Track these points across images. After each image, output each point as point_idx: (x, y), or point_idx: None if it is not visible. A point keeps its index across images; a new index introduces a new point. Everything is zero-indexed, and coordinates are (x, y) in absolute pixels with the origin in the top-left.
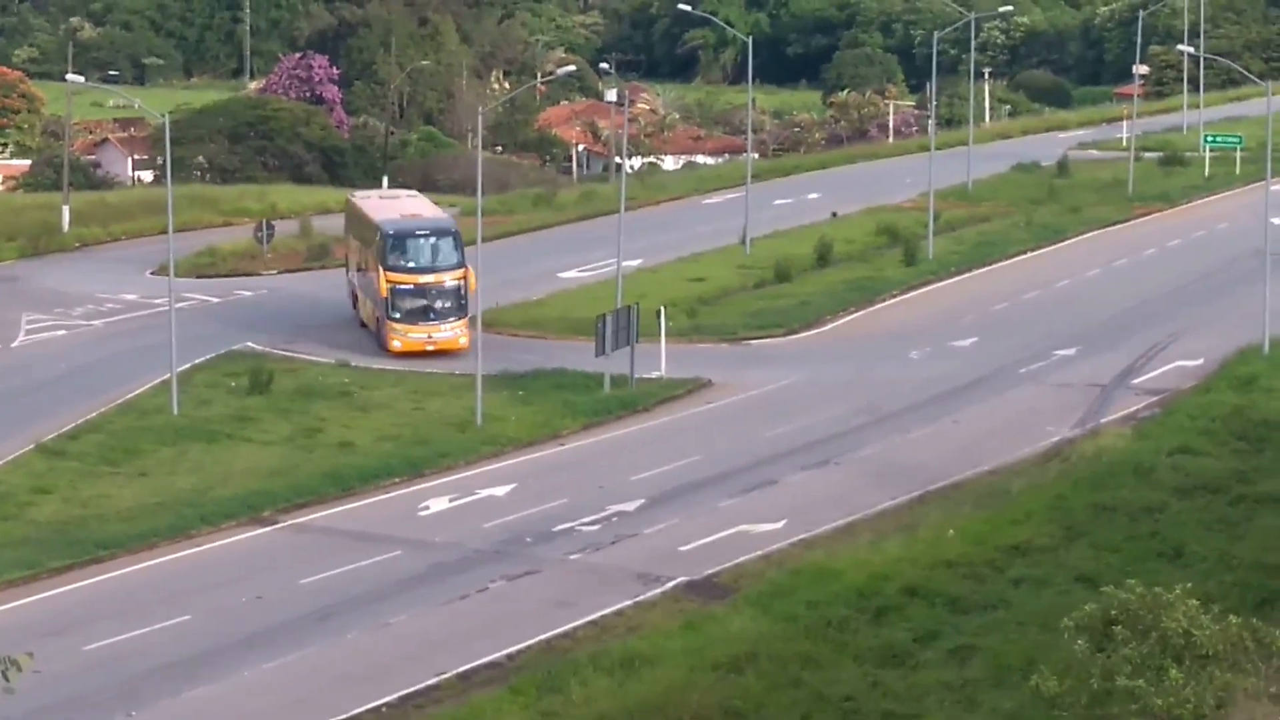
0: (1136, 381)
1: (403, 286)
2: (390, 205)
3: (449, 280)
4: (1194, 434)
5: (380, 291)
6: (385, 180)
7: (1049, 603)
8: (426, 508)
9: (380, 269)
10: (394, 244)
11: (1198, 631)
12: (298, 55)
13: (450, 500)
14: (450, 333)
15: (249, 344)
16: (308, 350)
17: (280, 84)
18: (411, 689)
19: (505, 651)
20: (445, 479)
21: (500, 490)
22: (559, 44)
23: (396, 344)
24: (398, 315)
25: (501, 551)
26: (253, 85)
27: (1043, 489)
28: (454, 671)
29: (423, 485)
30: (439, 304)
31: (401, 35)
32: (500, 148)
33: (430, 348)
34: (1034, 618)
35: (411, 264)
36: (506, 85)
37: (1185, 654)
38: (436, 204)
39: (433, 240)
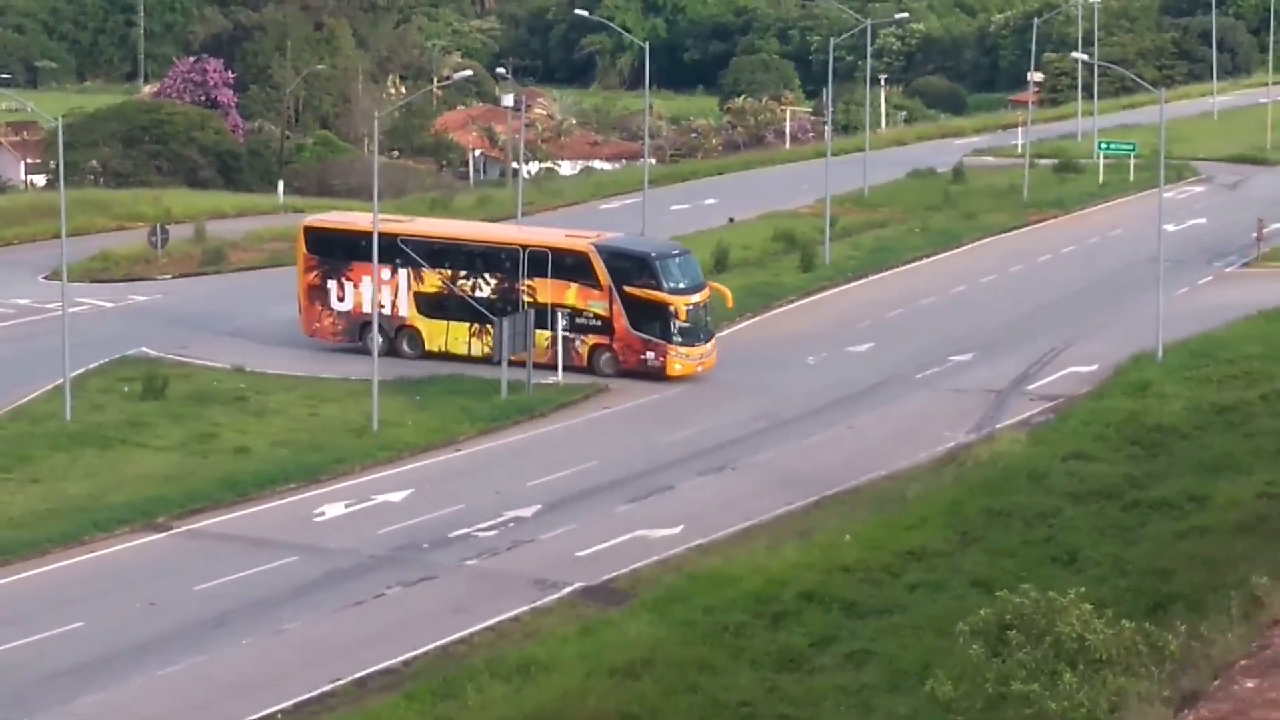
0: (1031, 387)
1: (684, 309)
2: (537, 230)
3: (704, 300)
4: (1088, 439)
5: (621, 310)
6: (281, 185)
7: (944, 607)
8: (322, 513)
9: (652, 294)
10: (664, 268)
11: (1091, 636)
12: (192, 59)
13: (346, 506)
14: (712, 352)
15: (143, 349)
16: (202, 355)
17: (175, 88)
18: (307, 695)
19: (401, 658)
20: (341, 485)
21: (396, 496)
22: (456, 49)
23: (678, 367)
24: (679, 339)
25: (397, 557)
26: (147, 89)
27: (938, 494)
28: (349, 678)
29: (318, 491)
30: (706, 323)
31: (297, 39)
32: (397, 152)
33: (700, 369)
34: (929, 622)
35: (684, 285)
36: (403, 90)
37: (1079, 658)
38: (334, 209)
39: (690, 260)
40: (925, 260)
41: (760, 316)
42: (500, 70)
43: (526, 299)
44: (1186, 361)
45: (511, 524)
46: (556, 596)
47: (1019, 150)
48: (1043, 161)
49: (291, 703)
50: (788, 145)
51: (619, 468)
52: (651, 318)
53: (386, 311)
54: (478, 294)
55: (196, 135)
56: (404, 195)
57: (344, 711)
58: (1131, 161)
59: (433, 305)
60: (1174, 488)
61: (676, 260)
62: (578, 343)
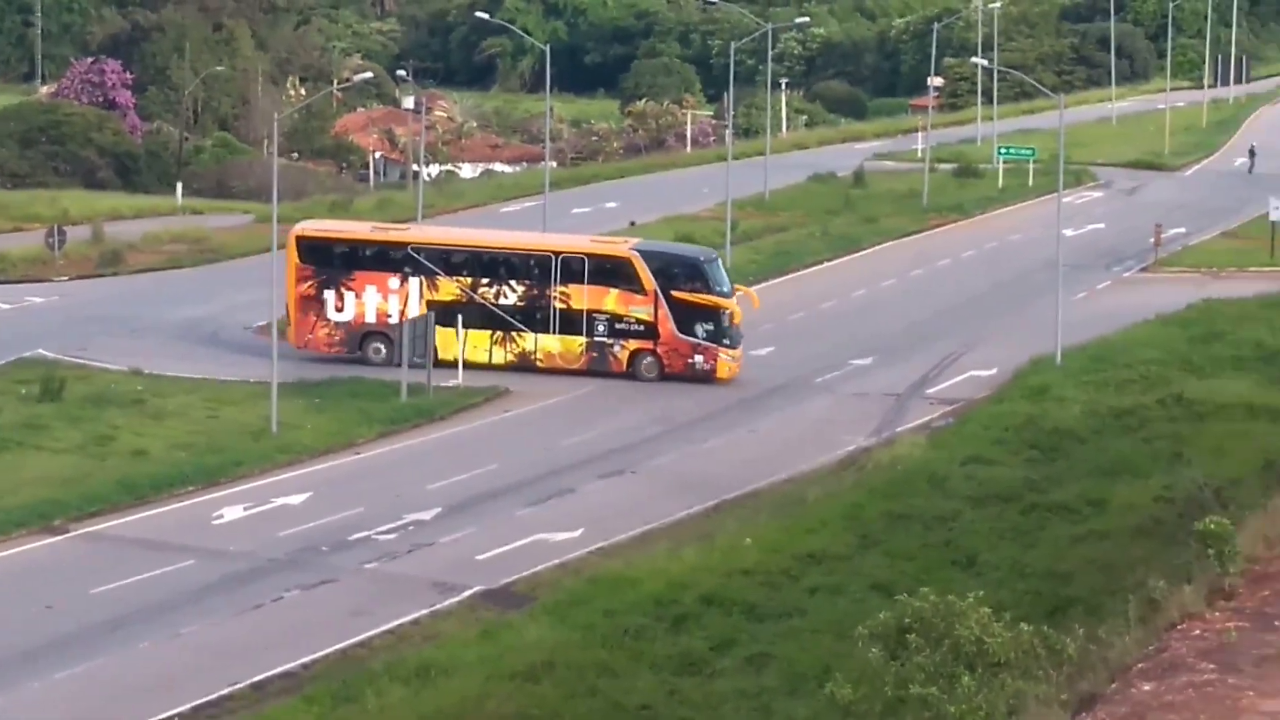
0: (931, 391)
1: (737, 312)
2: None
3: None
4: (987, 443)
5: (667, 314)
6: (179, 187)
7: (844, 611)
8: (221, 516)
9: (702, 297)
10: (712, 272)
11: (990, 639)
12: (90, 60)
13: (245, 509)
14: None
15: (40, 351)
16: (100, 357)
17: (72, 89)
18: (204, 699)
19: (300, 661)
20: (240, 487)
21: (296, 499)
22: (356, 51)
23: (726, 370)
24: (727, 341)
25: (297, 560)
26: (44, 90)
27: (838, 498)
28: (248, 681)
29: (217, 494)
30: (739, 325)
31: (196, 41)
32: (296, 154)
33: (736, 370)
34: (829, 626)
35: (727, 288)
36: (303, 92)
37: (978, 662)
38: (230, 211)
39: (721, 263)
40: (826, 264)
41: None
42: (401, 72)
43: (559, 305)
44: (1085, 366)
45: (411, 527)
46: (456, 600)
47: (919, 155)
48: (943, 166)
49: (189, 706)
50: (689, 149)
51: (520, 471)
52: (701, 321)
53: (394, 321)
54: (501, 301)
55: (94, 136)
56: (304, 197)
57: (242, 715)
58: (1030, 166)
59: (447, 314)
60: (1072, 491)
61: (716, 263)
62: (616, 348)
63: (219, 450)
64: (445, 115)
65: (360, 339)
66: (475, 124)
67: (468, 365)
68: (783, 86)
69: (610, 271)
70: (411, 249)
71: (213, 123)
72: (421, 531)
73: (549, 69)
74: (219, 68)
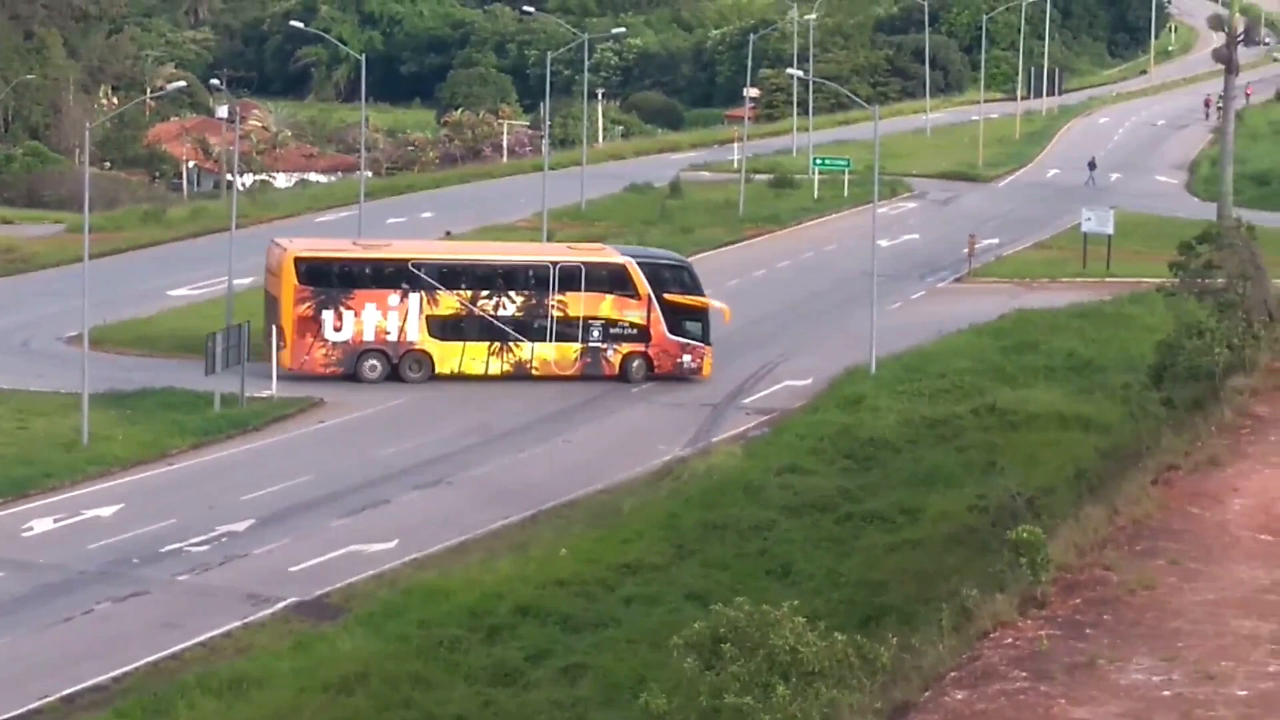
0: (747, 401)
1: (714, 311)
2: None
3: None
4: (803, 453)
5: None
6: None
7: (659, 621)
8: (30, 528)
9: (692, 299)
10: (696, 275)
11: (804, 649)
12: None
13: (55, 521)
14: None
15: None
16: None
17: None
18: (13, 713)
19: (111, 674)
20: (50, 499)
21: (107, 511)
22: (169, 59)
23: (709, 367)
24: (708, 341)
25: (108, 572)
26: None
27: (654, 507)
28: (57, 695)
29: (26, 505)
30: None
31: (6, 49)
32: (109, 163)
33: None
34: (644, 636)
35: (706, 291)
36: (115, 101)
37: (792, 671)
38: (41, 221)
39: None
40: None
41: None
42: (214, 81)
43: (556, 313)
44: (899, 375)
45: (224, 539)
46: (269, 612)
47: (735, 165)
48: (759, 177)
49: None
50: (505, 159)
51: (334, 482)
52: (691, 322)
53: (393, 337)
54: (500, 313)
55: None
56: (116, 207)
57: None
58: (846, 177)
59: (446, 328)
60: (886, 500)
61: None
62: (609, 352)
63: (28, 462)
64: (259, 124)
65: (357, 358)
66: (290, 133)
67: (464, 377)
68: (599, 97)
69: (606, 278)
70: (412, 265)
71: (23, 131)
72: (235, 543)
73: (364, 78)
74: (29, 76)
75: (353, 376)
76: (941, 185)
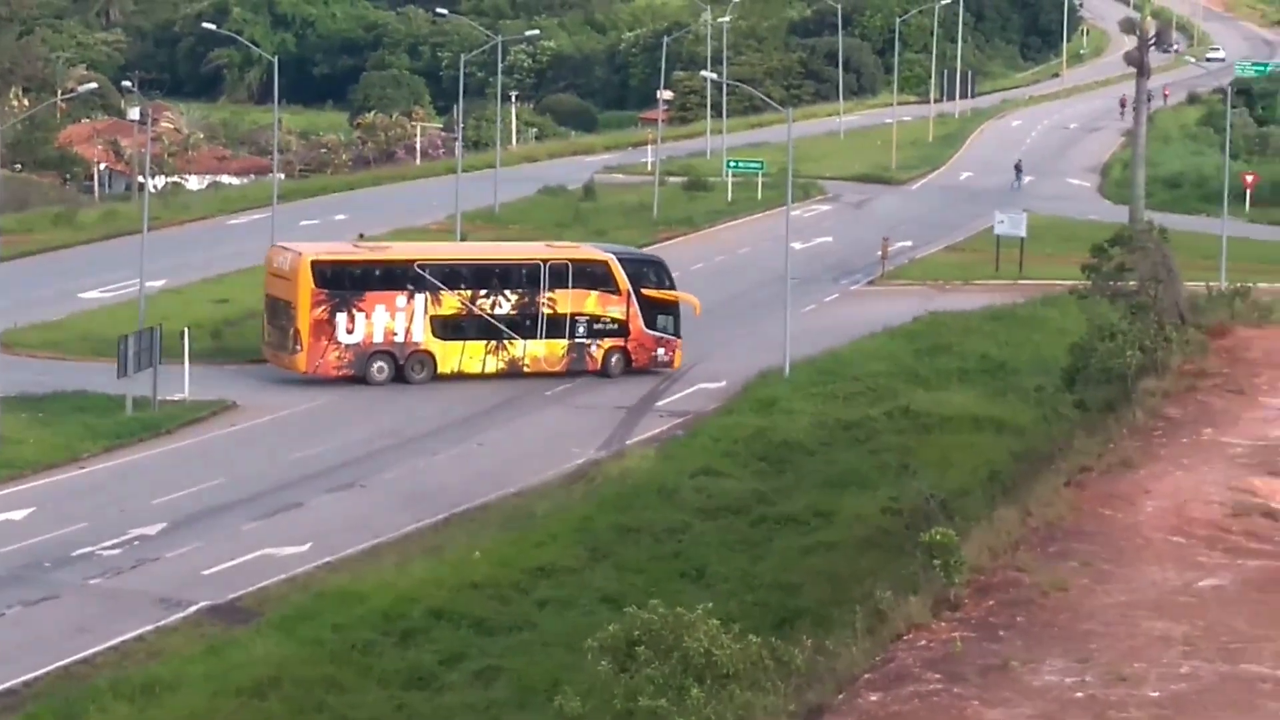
0: (661, 404)
1: (685, 305)
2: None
3: None
4: (717, 455)
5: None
6: None
7: (574, 624)
8: None
9: (666, 293)
10: (667, 271)
11: (719, 651)
12: None
13: None
14: None
15: None
16: None
17: None
18: None
19: (21, 679)
20: None
21: (17, 514)
22: (81, 61)
23: (681, 358)
24: (679, 334)
25: (19, 576)
26: None
27: (568, 511)
28: None
29: None
30: None
31: None
32: (19, 166)
33: None
34: (559, 639)
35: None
36: (26, 102)
37: (707, 673)
38: None
39: None
40: None
41: None
42: (126, 83)
43: (546, 311)
44: (813, 378)
45: (136, 542)
46: (182, 615)
47: (649, 168)
48: (672, 179)
49: None
50: (418, 161)
51: (247, 485)
52: (665, 315)
53: (400, 338)
54: (497, 311)
55: None
56: (27, 209)
57: None
58: (759, 180)
59: (448, 327)
60: (800, 503)
61: None
62: (593, 348)
63: None
64: (171, 126)
65: (367, 359)
66: (202, 135)
67: (463, 377)
68: (513, 99)
69: (590, 275)
70: (418, 266)
71: None
72: (147, 547)
73: (277, 80)
74: None
75: (362, 379)
76: (855, 188)
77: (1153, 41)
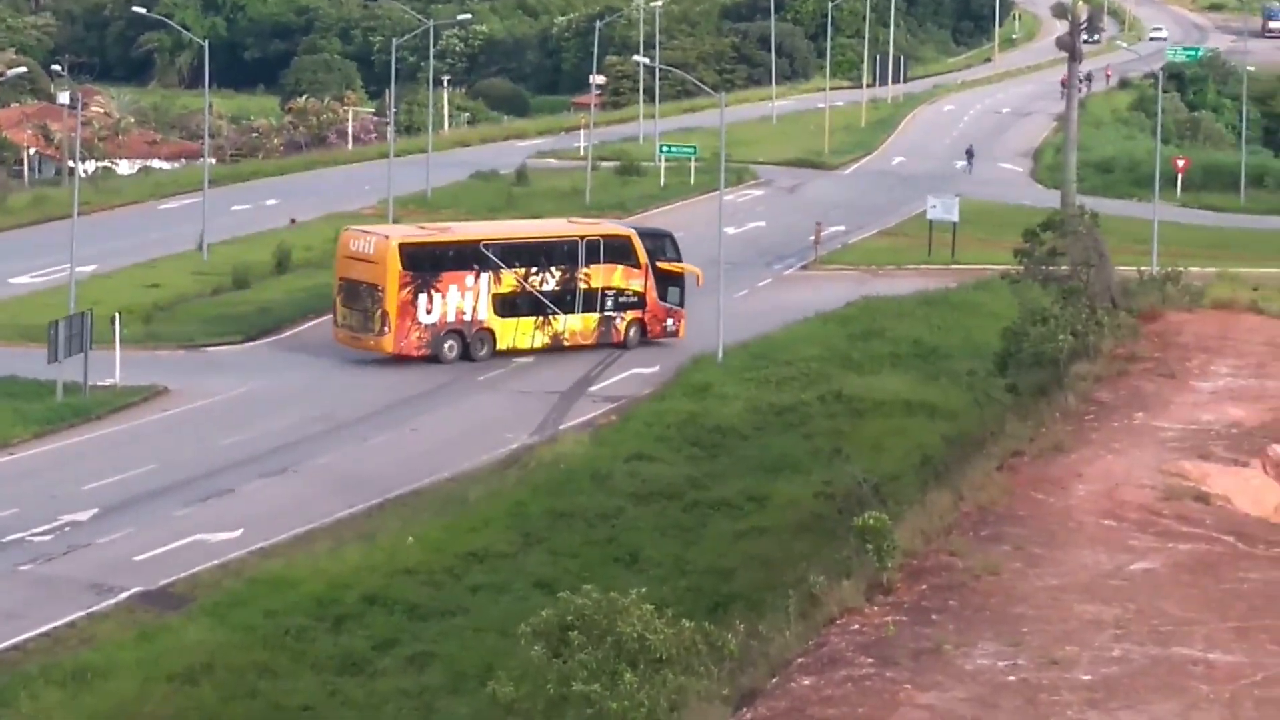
0: (594, 389)
1: (692, 276)
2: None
3: None
4: (650, 441)
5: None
6: None
7: (507, 609)
8: None
9: (674, 265)
10: (676, 244)
11: (652, 636)
12: None
13: None
14: None
15: None
16: None
17: None
18: None
19: None
20: None
21: None
22: (9, 45)
23: (683, 331)
24: (683, 305)
25: None
26: None
27: (502, 496)
28: None
29: None
30: None
31: None
32: None
33: None
34: (492, 624)
35: None
36: None
37: (640, 658)
38: None
39: None
40: None
41: (323, 318)
42: (56, 67)
43: (582, 286)
44: (746, 363)
45: (67, 528)
46: (114, 601)
47: (581, 153)
48: (605, 164)
49: None
50: (350, 146)
51: (178, 471)
52: (674, 287)
53: (468, 317)
54: (544, 288)
55: None
56: None
57: None
58: (692, 164)
59: (506, 305)
60: (734, 488)
61: None
62: (618, 320)
63: None
64: (102, 111)
65: (442, 338)
66: (133, 120)
67: (517, 352)
68: (445, 84)
69: (617, 250)
70: (483, 245)
71: None
72: (78, 533)
73: (208, 64)
74: None
75: (435, 358)
76: (788, 173)
77: (1085, 26)
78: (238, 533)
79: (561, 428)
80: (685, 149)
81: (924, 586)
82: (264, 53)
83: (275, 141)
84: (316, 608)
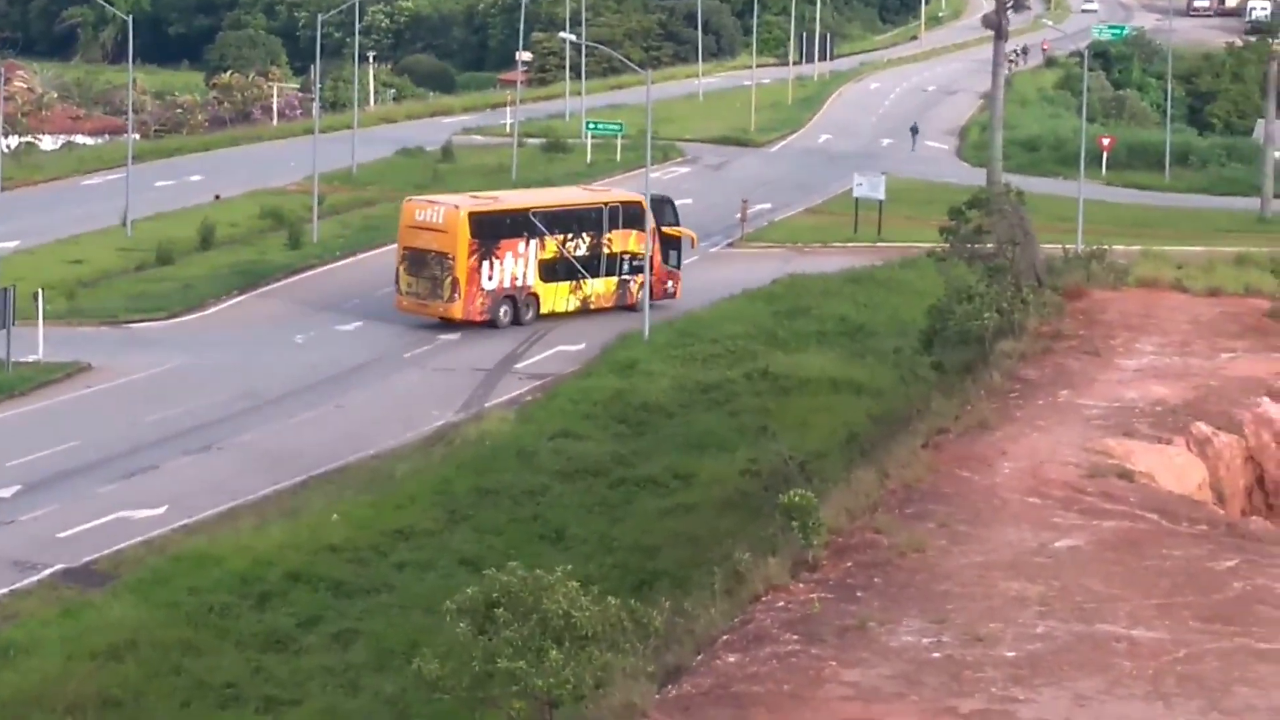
0: (520, 366)
1: (688, 239)
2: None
3: None
4: (576, 418)
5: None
6: None
7: (432, 586)
8: None
9: (675, 228)
10: (675, 208)
11: (578, 613)
12: None
13: None
14: None
15: None
16: None
17: None
18: None
19: None
20: None
21: None
22: None
23: (679, 293)
24: (680, 267)
25: None
26: None
27: (427, 473)
28: None
29: None
30: None
31: None
32: None
33: None
34: (417, 601)
35: None
36: None
37: (566, 635)
38: None
39: None
40: None
41: (247, 294)
42: None
43: (605, 251)
44: (672, 340)
45: None
46: (36, 579)
47: (508, 129)
48: (531, 141)
49: None
50: (275, 122)
51: (102, 447)
52: (673, 250)
53: (520, 282)
54: (577, 253)
55: None
56: None
57: None
58: (619, 141)
59: (549, 270)
60: (660, 465)
61: None
62: (632, 283)
63: None
64: (25, 86)
65: (499, 304)
66: (56, 95)
67: (554, 316)
68: (370, 60)
69: (631, 215)
70: (532, 213)
71: None
72: (0, 509)
73: (131, 39)
74: None
75: (492, 323)
76: (714, 150)
77: (1010, 5)
78: (161, 510)
79: (487, 405)
80: (611, 126)
81: (849, 564)
82: (188, 28)
83: (200, 117)
84: (240, 585)
